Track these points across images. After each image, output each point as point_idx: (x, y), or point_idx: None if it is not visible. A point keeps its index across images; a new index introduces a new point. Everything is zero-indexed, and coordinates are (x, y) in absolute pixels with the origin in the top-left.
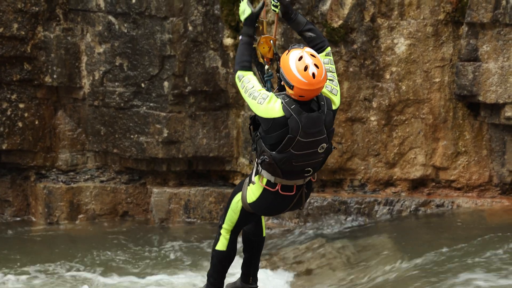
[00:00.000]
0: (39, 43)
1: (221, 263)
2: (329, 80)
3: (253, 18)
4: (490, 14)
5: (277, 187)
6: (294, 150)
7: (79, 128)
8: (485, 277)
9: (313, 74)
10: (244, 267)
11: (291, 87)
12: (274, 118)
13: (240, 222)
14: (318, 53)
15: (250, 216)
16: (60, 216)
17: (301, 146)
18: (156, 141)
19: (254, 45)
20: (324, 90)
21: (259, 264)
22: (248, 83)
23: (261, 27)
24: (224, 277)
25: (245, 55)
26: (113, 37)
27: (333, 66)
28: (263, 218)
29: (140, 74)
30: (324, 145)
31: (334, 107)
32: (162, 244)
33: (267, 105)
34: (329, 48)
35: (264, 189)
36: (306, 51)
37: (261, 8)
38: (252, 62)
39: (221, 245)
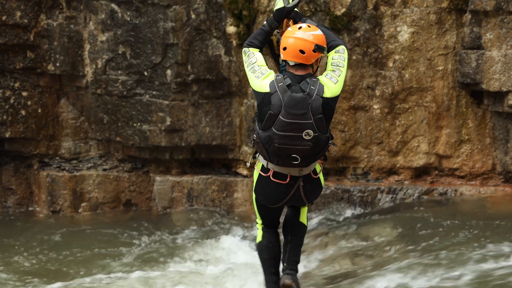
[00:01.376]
0: (42, 31)
1: (261, 254)
2: (331, 70)
3: (283, 12)
4: (494, 1)
5: (269, 173)
6: (276, 129)
7: (82, 116)
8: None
9: (299, 27)
10: (283, 253)
11: (284, 48)
12: (263, 93)
13: (262, 213)
14: (329, 51)
15: (265, 206)
16: (63, 204)
17: (283, 126)
18: (159, 129)
19: (272, 37)
20: (322, 77)
21: (300, 255)
22: (252, 57)
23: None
24: (271, 268)
25: (258, 37)
26: (116, 25)
27: (344, 62)
28: (305, 208)
29: (143, 62)
30: (310, 132)
31: (327, 95)
32: (166, 231)
33: (262, 80)
34: (340, 47)
35: (259, 174)
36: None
37: (295, 5)
38: (261, 44)
39: (258, 237)
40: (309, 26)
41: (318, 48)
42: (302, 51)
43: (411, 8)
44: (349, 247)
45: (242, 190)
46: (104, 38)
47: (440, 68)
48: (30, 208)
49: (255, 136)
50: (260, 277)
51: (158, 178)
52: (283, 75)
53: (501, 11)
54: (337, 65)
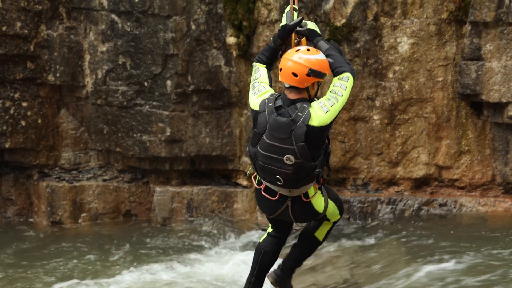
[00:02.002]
0: (42, 42)
1: (254, 254)
2: (327, 98)
3: (285, 29)
4: (493, 13)
5: (261, 186)
6: (260, 148)
7: (82, 126)
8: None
9: (297, 50)
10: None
11: (280, 69)
12: (255, 111)
13: (269, 220)
14: (335, 77)
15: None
16: (63, 215)
17: (266, 146)
18: (159, 140)
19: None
20: (315, 103)
21: (300, 264)
22: (256, 73)
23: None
24: (253, 271)
25: (265, 53)
26: (116, 35)
27: (344, 91)
28: (328, 224)
29: (143, 73)
30: (291, 157)
31: (313, 123)
32: (164, 242)
33: (257, 97)
34: (345, 74)
35: (256, 187)
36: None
37: (297, 23)
38: (268, 60)
39: (261, 238)
40: (308, 50)
41: (312, 73)
42: (295, 74)
43: (411, 19)
44: (350, 257)
45: (242, 200)
46: (104, 49)
47: (440, 79)
48: (31, 219)
49: (247, 149)
50: None
51: (158, 189)
52: (278, 96)
53: (500, 23)
54: (335, 93)
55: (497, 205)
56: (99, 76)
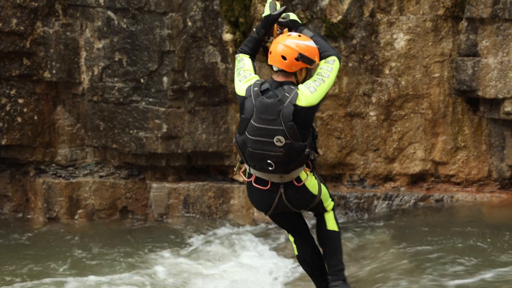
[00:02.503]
0: (38, 39)
1: (304, 267)
2: (313, 80)
3: (268, 19)
4: (490, 9)
5: (251, 178)
6: (249, 133)
7: (78, 123)
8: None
9: (288, 34)
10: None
11: (270, 52)
12: (241, 97)
13: (277, 223)
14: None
15: (275, 215)
16: (60, 211)
17: (254, 131)
18: (155, 136)
19: (267, 44)
20: (301, 85)
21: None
22: (240, 62)
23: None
24: (318, 277)
25: (248, 44)
26: (112, 32)
27: (330, 73)
28: (329, 213)
29: (139, 69)
30: (282, 138)
31: (300, 103)
32: (162, 238)
33: (243, 84)
34: (331, 57)
35: (246, 180)
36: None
37: (280, 13)
38: (251, 51)
39: (295, 250)
40: (299, 36)
41: (301, 57)
42: (284, 57)
43: (407, 16)
44: (346, 253)
45: (239, 196)
46: (100, 46)
47: (436, 75)
48: (29, 216)
49: (234, 139)
50: None
51: (154, 185)
52: (264, 81)
53: (497, 19)
54: (322, 75)
55: (493, 200)
56: (96, 73)
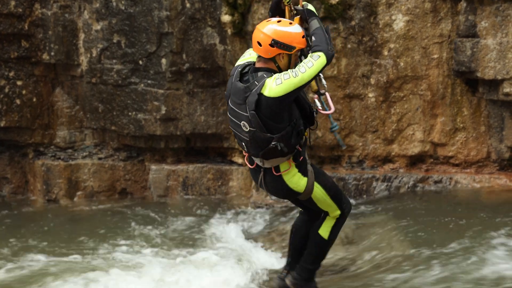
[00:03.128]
0: (36, 20)
1: (290, 234)
2: (285, 73)
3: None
4: None
5: (246, 155)
6: (228, 112)
7: (77, 105)
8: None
9: (269, 20)
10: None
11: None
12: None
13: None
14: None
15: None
16: (59, 193)
17: (229, 110)
18: (154, 118)
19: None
20: (274, 75)
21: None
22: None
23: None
24: (291, 251)
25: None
26: (110, 14)
27: (308, 68)
28: (330, 219)
29: (137, 51)
30: (246, 124)
31: (264, 93)
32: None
33: (238, 62)
34: (318, 53)
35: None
36: (297, 25)
37: None
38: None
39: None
40: (279, 21)
41: (275, 43)
42: (259, 43)
43: None
44: (344, 235)
45: (237, 178)
46: (98, 27)
47: (435, 56)
48: (28, 198)
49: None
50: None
51: (153, 167)
52: (250, 64)
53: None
54: (298, 68)
55: (492, 182)
56: (94, 55)
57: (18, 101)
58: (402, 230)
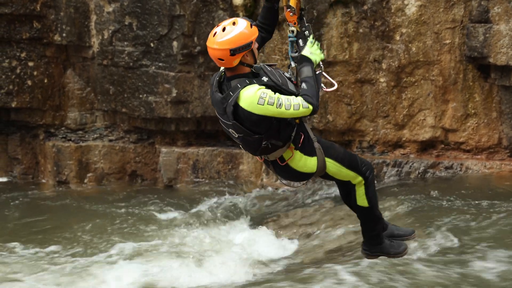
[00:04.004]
0: (48, 2)
1: None
2: (274, 96)
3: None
4: None
5: None
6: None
7: (88, 87)
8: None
9: (214, 33)
10: None
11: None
12: None
13: None
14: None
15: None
16: (69, 175)
17: (218, 117)
18: (165, 100)
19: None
20: (251, 88)
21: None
22: None
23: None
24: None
25: (260, 16)
26: None
27: (292, 108)
28: (358, 188)
29: (149, 33)
30: (233, 131)
31: (242, 104)
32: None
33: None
34: (309, 104)
35: None
36: (241, 18)
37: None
38: (263, 22)
39: None
40: (223, 29)
41: (235, 51)
42: (221, 59)
43: None
44: (354, 220)
45: (248, 162)
46: (110, 9)
47: (447, 41)
48: (38, 179)
49: None
50: None
51: (163, 150)
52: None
53: None
54: (284, 101)
55: (503, 168)
56: (105, 37)
57: (29, 82)
58: (412, 216)
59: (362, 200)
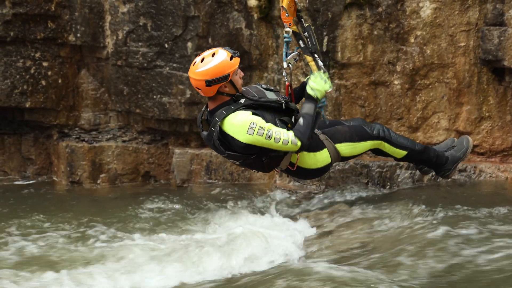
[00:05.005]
0: (63, 2)
1: None
2: (261, 126)
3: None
4: None
5: None
6: None
7: (102, 87)
8: None
9: (194, 62)
10: None
11: None
12: None
13: None
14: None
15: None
16: (82, 175)
17: None
18: (178, 101)
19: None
20: (228, 117)
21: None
22: None
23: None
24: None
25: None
26: None
27: (281, 142)
28: (384, 145)
29: (163, 34)
30: (233, 161)
31: (228, 131)
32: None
33: None
34: (298, 140)
35: None
36: (222, 49)
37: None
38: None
39: None
40: (202, 60)
41: (210, 82)
42: (199, 88)
43: None
44: (368, 223)
45: None
46: (125, 10)
47: (462, 44)
48: (50, 179)
49: None
50: None
51: (177, 151)
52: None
53: None
54: (274, 134)
55: None
56: (120, 37)
57: (43, 82)
58: (425, 219)
59: (397, 152)
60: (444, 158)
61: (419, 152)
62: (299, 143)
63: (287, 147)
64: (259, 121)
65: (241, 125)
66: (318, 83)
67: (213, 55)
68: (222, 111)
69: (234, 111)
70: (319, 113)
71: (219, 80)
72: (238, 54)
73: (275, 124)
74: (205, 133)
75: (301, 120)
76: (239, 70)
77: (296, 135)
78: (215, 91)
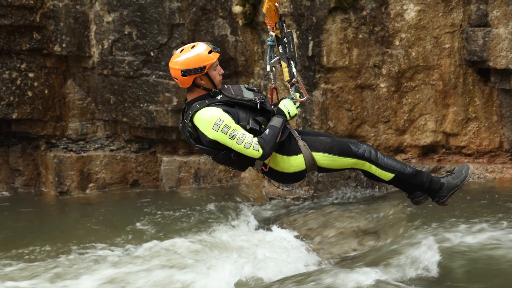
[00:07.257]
0: (48, 12)
1: None
2: (226, 124)
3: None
4: None
5: None
6: None
7: (89, 97)
8: None
9: (174, 53)
10: None
11: None
12: None
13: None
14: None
15: None
16: (71, 185)
17: None
18: (165, 109)
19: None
20: (198, 111)
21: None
22: None
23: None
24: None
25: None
26: (121, 5)
27: (243, 146)
28: (371, 168)
29: (149, 42)
30: (206, 154)
31: (197, 124)
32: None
33: None
34: (260, 148)
35: None
36: (203, 43)
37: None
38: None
39: None
40: (182, 50)
41: (185, 72)
42: (175, 78)
43: None
44: (357, 226)
45: (249, 169)
46: (110, 19)
47: (447, 46)
48: (44, 190)
49: None
50: None
51: (165, 159)
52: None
53: None
54: (239, 135)
55: (505, 172)
56: (105, 46)
57: (30, 93)
58: (414, 221)
59: (384, 175)
60: (439, 184)
61: (410, 176)
62: (260, 151)
63: (248, 152)
64: (226, 119)
65: (209, 120)
66: (290, 106)
67: (192, 47)
68: (196, 104)
69: (208, 105)
70: (287, 128)
71: (194, 71)
72: (219, 50)
73: (248, 123)
74: (180, 125)
75: (267, 131)
76: (219, 67)
77: (259, 142)
78: (190, 82)
